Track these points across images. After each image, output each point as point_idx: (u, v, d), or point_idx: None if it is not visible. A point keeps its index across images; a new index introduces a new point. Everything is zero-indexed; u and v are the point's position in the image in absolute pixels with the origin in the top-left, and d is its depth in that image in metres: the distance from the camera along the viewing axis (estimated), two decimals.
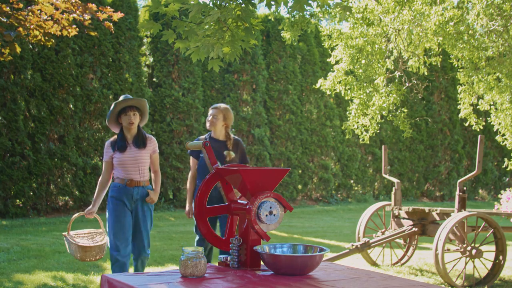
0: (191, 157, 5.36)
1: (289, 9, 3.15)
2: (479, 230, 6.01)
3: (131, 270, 5.38)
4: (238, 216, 2.40)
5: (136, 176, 4.87)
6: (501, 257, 5.94)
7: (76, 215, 5.00)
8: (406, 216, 6.70)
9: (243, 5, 3.32)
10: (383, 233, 6.83)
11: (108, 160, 4.91)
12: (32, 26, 6.03)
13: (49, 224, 9.85)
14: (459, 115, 9.14)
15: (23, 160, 10.37)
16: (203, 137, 5.31)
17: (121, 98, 4.95)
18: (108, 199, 4.93)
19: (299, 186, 14.53)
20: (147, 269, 5.97)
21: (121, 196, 4.84)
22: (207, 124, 5.33)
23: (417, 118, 14.57)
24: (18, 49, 6.07)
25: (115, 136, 4.92)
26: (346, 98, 8.31)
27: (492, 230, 5.97)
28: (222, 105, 5.38)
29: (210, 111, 5.37)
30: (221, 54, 3.60)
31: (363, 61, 7.87)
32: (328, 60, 8.72)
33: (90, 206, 4.93)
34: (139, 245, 4.92)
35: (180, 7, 3.38)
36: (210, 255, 5.24)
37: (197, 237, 5.35)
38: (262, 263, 2.27)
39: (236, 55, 3.65)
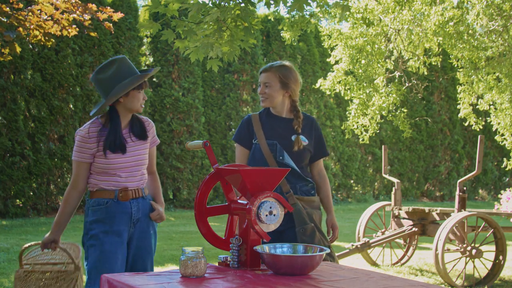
0: (237, 145, 3.42)
1: (288, 9, 3.15)
2: (479, 230, 6.01)
3: None
4: (238, 216, 2.40)
5: (133, 182, 3.14)
6: (501, 257, 5.94)
7: (27, 245, 3.37)
8: (406, 216, 6.69)
9: (242, 5, 3.32)
10: (383, 233, 6.83)
11: (87, 162, 3.10)
12: (32, 26, 6.02)
13: (49, 224, 9.85)
14: (459, 115, 9.15)
15: (23, 160, 10.37)
16: (256, 114, 3.44)
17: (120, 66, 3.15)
18: (87, 229, 3.11)
19: None
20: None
21: (111, 220, 3.07)
22: (261, 100, 3.40)
23: (417, 118, 14.56)
24: (18, 49, 6.06)
25: (94, 123, 3.13)
26: (346, 98, 8.32)
27: (492, 230, 5.97)
28: (277, 63, 3.41)
29: (259, 78, 3.40)
30: (220, 53, 3.60)
31: (363, 61, 7.87)
32: (328, 60, 8.71)
33: (48, 234, 3.15)
34: None
35: (179, 7, 3.38)
36: None
37: None
38: (262, 263, 2.27)
39: (235, 55, 3.66)
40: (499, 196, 8.48)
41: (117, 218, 3.08)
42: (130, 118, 3.19)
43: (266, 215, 2.24)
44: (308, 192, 3.34)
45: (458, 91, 8.78)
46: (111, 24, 6.52)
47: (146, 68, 12.75)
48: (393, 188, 6.85)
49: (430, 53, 8.74)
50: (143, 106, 3.17)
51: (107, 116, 3.13)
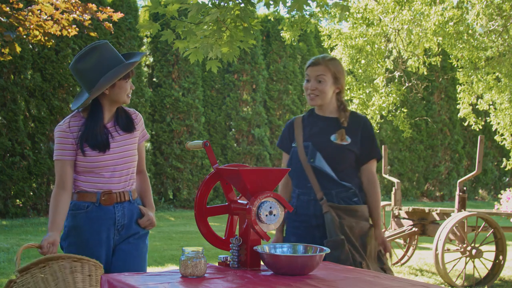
0: (283, 153, 3.20)
1: (288, 9, 3.15)
2: (479, 230, 6.01)
3: None
4: (238, 216, 2.40)
5: (118, 183, 2.80)
6: (501, 257, 5.94)
7: (21, 248, 2.72)
8: (406, 216, 6.70)
9: (242, 5, 3.32)
10: (383, 233, 6.83)
11: (70, 159, 2.75)
12: (32, 26, 6.03)
13: None
14: (459, 115, 9.15)
15: (23, 160, 10.37)
16: (299, 116, 3.16)
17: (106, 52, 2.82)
18: (65, 234, 2.80)
19: None
20: (147, 269, 5.96)
21: (92, 227, 2.74)
22: (308, 99, 3.06)
23: (417, 118, 14.57)
24: (18, 49, 6.07)
25: (74, 116, 2.84)
26: (346, 98, 8.32)
27: (492, 230, 5.97)
28: (328, 56, 3.10)
29: (308, 72, 3.05)
30: (220, 54, 3.60)
31: (362, 61, 7.87)
32: None
33: (48, 236, 2.69)
34: None
35: (179, 7, 3.38)
36: None
37: None
38: (262, 263, 2.27)
39: (234, 55, 3.66)
40: (499, 196, 8.49)
41: (98, 225, 2.73)
42: (115, 110, 2.85)
43: (266, 215, 2.24)
44: (349, 199, 2.93)
45: (458, 91, 8.78)
46: (111, 24, 6.52)
47: (146, 68, 12.76)
48: (393, 188, 6.85)
49: (430, 53, 8.74)
50: (130, 96, 2.85)
51: (89, 109, 2.80)
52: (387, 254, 3.08)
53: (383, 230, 6.80)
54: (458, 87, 8.79)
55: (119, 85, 2.78)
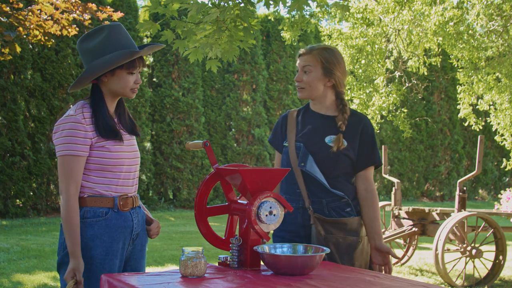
0: (275, 151, 2.89)
1: (288, 9, 3.15)
2: (479, 230, 6.01)
3: None
4: (238, 216, 2.40)
5: (132, 185, 2.49)
6: (501, 257, 5.94)
7: None
8: (406, 216, 6.70)
9: (242, 5, 3.32)
10: (383, 233, 6.84)
11: (83, 155, 2.36)
12: (32, 26, 6.03)
13: (49, 224, 9.85)
14: (459, 115, 9.15)
15: (23, 160, 10.37)
16: (294, 110, 2.87)
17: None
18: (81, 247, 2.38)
19: None
20: (147, 269, 5.96)
21: (112, 237, 2.40)
22: (297, 91, 2.78)
23: (417, 118, 14.57)
24: (18, 49, 6.07)
25: (84, 106, 2.45)
26: (346, 98, 8.31)
27: (492, 230, 5.97)
28: (320, 45, 2.77)
29: (298, 61, 2.76)
30: (219, 54, 3.60)
31: (363, 61, 7.87)
32: None
33: (75, 263, 2.29)
34: None
35: (179, 7, 3.38)
36: None
37: None
38: (262, 263, 2.27)
39: (234, 55, 3.65)
40: (499, 196, 8.49)
41: (116, 236, 2.39)
42: (115, 105, 2.52)
43: (266, 215, 2.24)
44: (340, 209, 2.65)
45: (458, 91, 8.78)
46: None
47: (146, 68, 12.74)
48: (393, 188, 6.85)
49: (430, 53, 8.74)
50: (135, 91, 2.49)
51: (92, 98, 2.48)
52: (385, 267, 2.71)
53: (383, 229, 6.82)
54: (458, 87, 8.79)
55: (119, 75, 2.42)
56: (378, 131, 10.43)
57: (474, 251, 5.87)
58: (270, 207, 2.25)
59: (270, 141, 2.89)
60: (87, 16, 6.15)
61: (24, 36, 6.14)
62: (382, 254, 2.67)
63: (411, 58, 8.32)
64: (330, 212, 2.64)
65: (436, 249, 5.65)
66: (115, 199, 2.40)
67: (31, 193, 10.56)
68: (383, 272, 2.67)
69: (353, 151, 2.67)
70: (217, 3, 3.32)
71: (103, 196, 2.39)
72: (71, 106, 2.62)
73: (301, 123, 2.77)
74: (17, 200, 10.44)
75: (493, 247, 6.16)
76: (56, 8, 6.11)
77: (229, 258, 2.30)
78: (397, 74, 8.57)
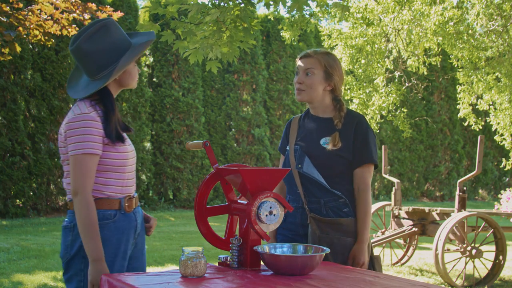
0: (281, 155, 2.97)
1: (288, 9, 3.15)
2: (479, 230, 6.02)
3: None
4: (238, 216, 2.40)
5: (133, 185, 2.49)
6: (501, 257, 5.94)
7: None
8: (406, 216, 6.70)
9: (242, 5, 3.32)
10: (383, 233, 6.83)
11: (98, 153, 2.32)
12: (32, 26, 6.03)
13: (49, 224, 9.85)
14: (459, 115, 9.15)
15: (23, 160, 10.37)
16: (298, 116, 2.94)
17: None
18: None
19: None
20: (147, 269, 5.96)
21: (121, 239, 2.40)
22: (296, 94, 2.84)
23: (417, 118, 14.57)
24: (18, 49, 6.07)
25: (92, 106, 2.37)
26: (346, 98, 8.31)
27: (492, 230, 5.97)
28: (322, 50, 2.84)
29: (298, 64, 2.82)
30: (219, 55, 3.60)
31: (362, 61, 7.87)
32: None
33: (102, 268, 2.26)
34: None
35: (179, 8, 3.38)
36: None
37: None
38: (262, 263, 2.27)
39: (234, 55, 3.66)
40: (499, 196, 8.49)
41: (125, 237, 2.39)
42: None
43: (266, 215, 2.24)
44: (338, 209, 2.68)
45: (458, 91, 8.78)
46: None
47: (146, 68, 12.74)
48: (393, 188, 6.85)
49: (430, 53, 8.74)
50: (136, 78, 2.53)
51: (98, 96, 2.40)
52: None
53: (378, 232, 6.80)
54: (458, 87, 8.79)
55: (129, 69, 2.44)
56: (378, 131, 10.43)
57: (474, 251, 5.87)
58: (270, 207, 2.25)
59: (279, 149, 2.96)
60: (87, 16, 6.15)
61: (24, 36, 6.14)
62: (356, 259, 2.68)
63: (411, 58, 8.32)
64: (327, 212, 2.69)
65: (436, 249, 5.65)
66: (121, 200, 2.39)
67: (31, 193, 10.56)
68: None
69: (348, 151, 2.69)
70: (217, 3, 3.32)
71: (110, 198, 2.36)
72: (71, 106, 2.63)
73: (301, 127, 2.86)
74: (17, 200, 10.44)
75: (493, 247, 6.16)
76: (56, 8, 6.11)
77: (229, 258, 2.30)
78: (397, 74, 8.58)
